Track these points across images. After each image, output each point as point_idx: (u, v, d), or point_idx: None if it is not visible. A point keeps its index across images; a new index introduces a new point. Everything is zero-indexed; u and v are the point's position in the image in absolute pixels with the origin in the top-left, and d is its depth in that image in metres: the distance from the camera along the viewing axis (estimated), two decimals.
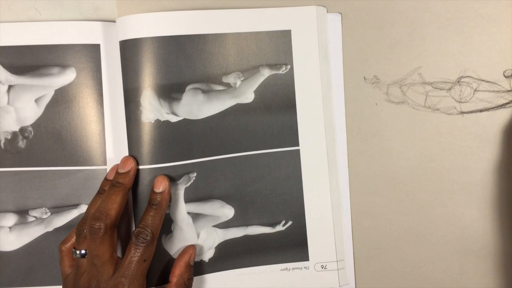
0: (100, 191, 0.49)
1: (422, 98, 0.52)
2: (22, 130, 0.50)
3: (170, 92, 0.49)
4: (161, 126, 0.49)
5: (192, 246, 0.50)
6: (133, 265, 0.44)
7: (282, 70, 0.50)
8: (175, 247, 0.50)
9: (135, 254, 0.44)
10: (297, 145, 0.51)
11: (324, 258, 0.52)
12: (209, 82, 0.50)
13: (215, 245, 0.51)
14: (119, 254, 0.49)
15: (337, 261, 0.52)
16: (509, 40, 0.51)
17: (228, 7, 0.50)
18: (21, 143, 0.50)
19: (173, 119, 0.49)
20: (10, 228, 0.51)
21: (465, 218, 0.52)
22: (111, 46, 0.49)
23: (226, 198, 0.51)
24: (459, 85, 0.51)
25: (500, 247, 0.52)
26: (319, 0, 0.51)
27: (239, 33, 0.50)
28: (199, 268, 0.51)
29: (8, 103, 0.50)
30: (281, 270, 0.52)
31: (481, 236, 0.52)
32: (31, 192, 0.51)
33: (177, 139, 0.49)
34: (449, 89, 0.52)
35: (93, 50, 0.50)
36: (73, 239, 0.48)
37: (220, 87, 0.50)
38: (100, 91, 0.50)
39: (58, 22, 0.50)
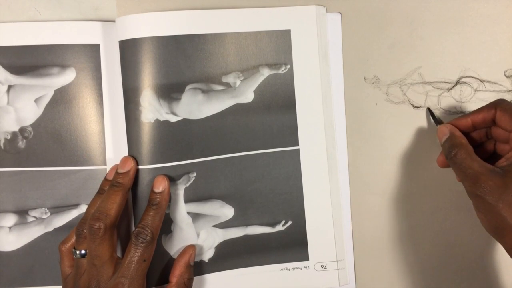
0: (100, 191, 0.49)
1: (422, 98, 0.52)
2: (22, 130, 0.50)
3: (169, 92, 0.49)
4: (161, 126, 0.49)
5: (192, 246, 0.50)
6: (133, 265, 0.44)
7: (282, 70, 0.50)
8: (175, 247, 0.50)
9: (135, 254, 0.44)
10: (297, 144, 0.51)
11: (324, 257, 0.52)
12: (209, 82, 0.50)
13: (215, 245, 0.51)
14: (119, 254, 0.49)
15: (337, 261, 0.52)
16: (509, 40, 0.51)
17: (227, 6, 0.50)
18: (21, 143, 0.50)
19: (173, 119, 0.49)
20: (10, 228, 0.51)
21: (465, 217, 0.52)
22: (110, 46, 0.49)
23: (226, 198, 0.51)
24: (460, 85, 0.51)
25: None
26: None
27: (238, 33, 0.50)
28: (199, 268, 0.51)
29: (8, 103, 0.50)
30: (281, 270, 0.52)
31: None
32: (30, 192, 0.51)
33: (176, 139, 0.49)
34: (450, 89, 0.52)
35: (93, 50, 0.50)
36: (73, 239, 0.48)
37: (219, 87, 0.50)
38: (99, 91, 0.50)
39: (58, 22, 0.50)
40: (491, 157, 0.49)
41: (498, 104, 0.46)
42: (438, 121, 0.50)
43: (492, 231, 0.43)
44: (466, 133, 0.47)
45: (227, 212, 0.51)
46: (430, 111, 0.51)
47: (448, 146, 0.46)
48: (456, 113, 0.52)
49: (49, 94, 0.50)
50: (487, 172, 0.42)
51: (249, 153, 0.51)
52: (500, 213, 0.41)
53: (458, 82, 0.52)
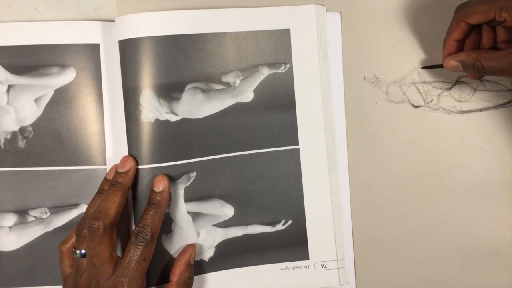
0: (100, 191, 0.49)
1: (422, 97, 0.52)
2: (22, 130, 0.50)
3: (169, 91, 0.49)
4: (161, 126, 0.49)
5: (192, 245, 0.50)
6: (132, 265, 0.44)
7: (282, 69, 0.50)
8: (175, 247, 0.50)
9: (135, 253, 0.44)
10: (297, 144, 0.51)
11: (324, 257, 0.52)
12: (209, 81, 0.50)
13: (215, 244, 0.51)
14: (119, 253, 0.49)
15: (337, 260, 0.52)
16: None
17: (227, 6, 0.50)
18: (21, 143, 0.50)
19: (173, 118, 0.49)
20: (10, 228, 0.51)
21: (465, 217, 0.52)
22: (110, 46, 0.50)
23: (226, 197, 0.51)
24: (459, 84, 0.51)
25: (499, 246, 0.52)
26: None
27: (238, 32, 0.50)
28: (199, 267, 0.51)
29: (8, 103, 0.50)
30: (281, 269, 0.52)
31: (481, 235, 0.52)
32: (30, 192, 0.51)
33: (176, 138, 0.49)
34: (449, 89, 0.52)
35: (93, 50, 0.50)
36: (73, 239, 0.47)
37: (219, 86, 0.50)
38: (99, 90, 0.50)
39: (58, 22, 0.50)
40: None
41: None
42: (438, 65, 0.50)
43: None
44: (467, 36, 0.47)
45: (227, 211, 0.51)
46: (429, 66, 0.51)
47: (471, 70, 0.46)
48: (455, 113, 0.52)
49: (49, 94, 0.50)
50: None
51: (249, 152, 0.51)
52: None
53: (457, 82, 0.52)
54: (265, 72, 0.50)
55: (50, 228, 0.51)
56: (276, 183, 0.51)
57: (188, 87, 0.49)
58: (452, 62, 0.47)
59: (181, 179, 0.50)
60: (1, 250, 0.51)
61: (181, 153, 0.49)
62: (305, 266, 0.52)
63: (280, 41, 0.50)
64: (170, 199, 0.49)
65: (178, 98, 0.49)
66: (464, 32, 0.46)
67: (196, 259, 0.50)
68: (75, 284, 0.45)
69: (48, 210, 0.51)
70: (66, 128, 0.50)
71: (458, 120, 0.52)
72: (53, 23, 0.50)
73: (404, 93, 0.52)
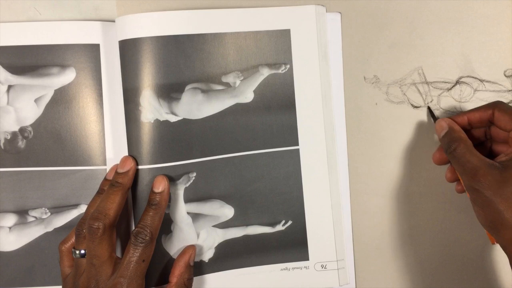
0: (100, 191, 0.49)
1: (422, 98, 0.52)
2: (22, 130, 0.50)
3: (169, 92, 0.49)
4: (161, 126, 0.49)
5: (192, 246, 0.50)
6: (132, 265, 0.44)
7: (282, 70, 0.50)
8: (175, 247, 0.50)
9: (134, 254, 0.44)
10: (297, 144, 0.51)
11: (324, 257, 0.52)
12: (209, 81, 0.50)
13: (215, 245, 0.51)
14: (118, 254, 0.49)
15: (337, 261, 0.52)
16: (509, 40, 0.51)
17: (227, 6, 0.50)
18: (21, 143, 0.50)
19: (173, 119, 0.49)
20: (10, 228, 0.51)
21: (465, 217, 0.52)
22: (110, 46, 0.50)
23: (226, 198, 0.51)
24: (459, 84, 0.51)
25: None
26: None
27: (238, 33, 0.50)
28: (199, 268, 0.51)
29: (8, 103, 0.50)
30: (281, 270, 0.52)
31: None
32: (30, 192, 0.51)
33: (176, 139, 0.49)
34: (449, 89, 0.52)
35: (93, 50, 0.50)
36: (73, 239, 0.48)
37: (219, 87, 0.50)
38: (99, 91, 0.50)
39: (58, 22, 0.50)
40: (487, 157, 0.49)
41: (496, 105, 0.46)
42: (437, 119, 0.50)
43: (488, 225, 0.43)
44: (464, 131, 0.47)
45: (227, 212, 0.51)
46: (430, 110, 0.51)
47: (447, 140, 0.46)
48: (456, 113, 0.52)
49: (49, 94, 0.50)
50: (486, 166, 0.42)
51: (249, 153, 0.51)
52: (497, 207, 0.41)
53: (457, 82, 0.52)
54: (265, 72, 0.50)
55: (50, 228, 0.51)
56: (276, 184, 0.51)
57: (188, 87, 0.49)
58: (442, 123, 0.47)
59: (181, 180, 0.50)
60: (1, 250, 0.51)
61: (181, 154, 0.49)
62: (305, 267, 0.52)
63: (280, 41, 0.50)
64: (170, 200, 0.49)
65: (178, 99, 0.49)
66: (483, 121, 0.47)
67: (195, 260, 0.50)
68: (75, 284, 0.45)
69: (48, 210, 0.51)
70: (66, 128, 0.50)
71: None
72: (53, 23, 0.50)
73: (404, 94, 0.52)
